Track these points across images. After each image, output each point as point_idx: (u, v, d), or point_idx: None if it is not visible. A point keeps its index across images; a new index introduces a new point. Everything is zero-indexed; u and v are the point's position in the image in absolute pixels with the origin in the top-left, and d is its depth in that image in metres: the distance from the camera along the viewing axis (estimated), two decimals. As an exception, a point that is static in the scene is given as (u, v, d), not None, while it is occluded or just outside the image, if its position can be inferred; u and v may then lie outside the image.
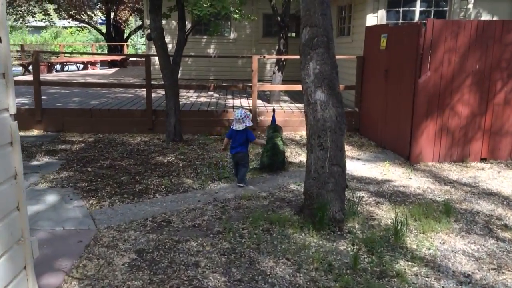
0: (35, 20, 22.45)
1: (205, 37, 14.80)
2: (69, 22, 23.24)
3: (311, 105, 4.34)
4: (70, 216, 4.57)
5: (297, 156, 7.02)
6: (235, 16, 7.64)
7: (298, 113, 8.75)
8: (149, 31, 7.89)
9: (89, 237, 4.07)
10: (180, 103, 9.33)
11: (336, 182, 4.29)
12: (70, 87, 10.55)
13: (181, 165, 6.40)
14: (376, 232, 4.17)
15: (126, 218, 4.50)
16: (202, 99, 10.25)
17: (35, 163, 6.45)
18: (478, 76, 6.41)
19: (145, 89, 8.60)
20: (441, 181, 5.78)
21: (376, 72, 7.75)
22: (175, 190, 5.36)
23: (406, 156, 6.66)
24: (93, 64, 19.44)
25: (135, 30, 25.89)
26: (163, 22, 14.31)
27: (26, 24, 22.47)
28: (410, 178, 5.87)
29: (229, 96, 10.82)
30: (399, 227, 4.02)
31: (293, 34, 14.28)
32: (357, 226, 4.30)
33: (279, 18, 9.65)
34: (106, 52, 25.27)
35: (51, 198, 5.07)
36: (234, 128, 5.69)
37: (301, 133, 8.62)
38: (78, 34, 39.57)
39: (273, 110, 7.03)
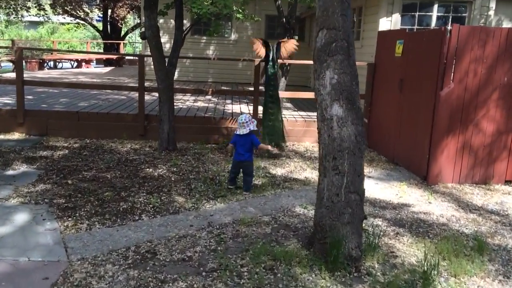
0: (29, 15, 21.73)
1: (205, 37, 14.16)
2: (64, 18, 22.53)
3: (326, 121, 3.69)
4: (40, 242, 3.89)
5: (302, 171, 6.37)
6: (237, 16, 7.00)
7: (302, 122, 8.11)
8: (143, 29, 7.22)
9: (58, 272, 3.40)
10: (175, 107, 8.66)
11: (353, 213, 3.64)
12: (55, 87, 9.85)
13: (173, 179, 5.74)
14: (399, 274, 3.52)
15: (104, 247, 3.83)
16: (199, 104, 9.59)
17: (10, 172, 5.77)
18: (506, 90, 5.78)
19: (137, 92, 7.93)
20: (465, 208, 5.14)
21: (389, 81, 7.12)
22: (164, 211, 4.69)
23: (423, 176, 6.02)
24: (88, 62, 18.74)
25: (133, 28, 25.18)
26: (161, 20, 13.73)
27: (20, 19, 21.74)
28: (429, 203, 5.23)
29: (228, 101, 10.16)
30: (428, 270, 3.37)
31: (295, 37, 13.66)
32: (376, 265, 3.65)
33: (284, 19, 9.01)
34: (102, 49, 24.56)
35: (21, 217, 4.39)
36: (238, 133, 5.27)
37: (305, 144, 7.97)
38: (75, 30, 38.83)
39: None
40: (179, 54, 7.23)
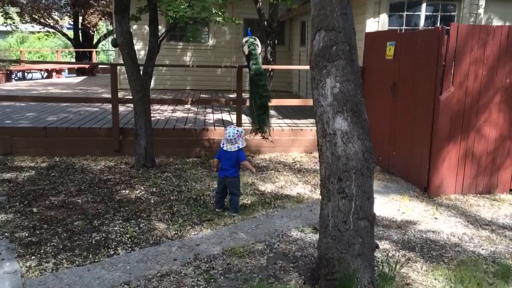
0: (-4, 24, 20.77)
1: (181, 43, 13.58)
2: (33, 27, 21.60)
3: (328, 137, 3.19)
4: (-5, 290, 3.29)
5: (293, 186, 5.87)
6: (217, 19, 6.47)
7: (288, 131, 7.63)
8: (115, 36, 6.64)
9: (15, 332, 2.81)
10: (153, 119, 8.09)
11: (363, 243, 3.15)
12: (19, 101, 9.13)
13: (152, 201, 5.16)
14: (420, 311, 3.05)
15: (73, 294, 3.25)
16: (178, 114, 9.02)
17: (-34, 200, 5.12)
18: (509, 92, 5.41)
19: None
20: (475, 223, 4.71)
21: (380, 85, 6.70)
22: (143, 241, 4.12)
23: (423, 187, 5.59)
24: (58, 71, 17.89)
25: (105, 36, 24.34)
26: (134, 26, 13.09)
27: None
28: (435, 218, 4.79)
29: (209, 110, 9.61)
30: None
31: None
32: (393, 302, 3.17)
33: (265, 22, 8.54)
34: (74, 58, 23.65)
35: (-25, 258, 3.77)
36: (224, 148, 4.71)
37: (293, 154, 7.49)
38: (46, 39, 37.64)
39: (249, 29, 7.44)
40: (154, 62, 6.66)
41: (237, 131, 4.68)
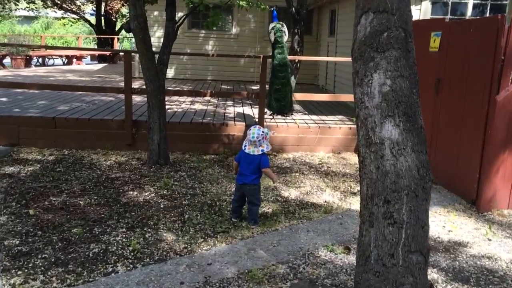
0: (18, 9, 20.53)
1: (203, 31, 12.98)
2: (55, 12, 21.32)
3: (373, 147, 2.54)
4: (-33, 316, 2.77)
5: (320, 193, 5.23)
6: (241, 3, 5.83)
7: (315, 129, 6.96)
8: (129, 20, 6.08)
9: None
10: (169, 111, 7.57)
11: (415, 283, 2.50)
12: (23, 88, 8.69)
13: (162, 206, 4.60)
14: None
15: (57, 326, 2.71)
16: (197, 106, 8.44)
17: (-41, 198, 4.65)
18: None
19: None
20: (537, 247, 4.00)
21: (421, 81, 5.93)
22: (147, 257, 3.56)
23: (471, 200, 4.88)
24: (79, 58, 17.55)
25: (128, 22, 23.86)
26: (155, 12, 12.56)
27: (7, 13, 20.54)
28: (489, 240, 4.09)
29: (230, 103, 9.01)
30: None
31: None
32: None
33: (293, 9, 7.85)
34: (96, 45, 23.34)
35: (-47, 271, 3.26)
36: (246, 151, 4.08)
37: (320, 154, 6.83)
38: (71, 25, 37.61)
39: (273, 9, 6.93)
40: (171, 50, 6.07)
41: (262, 132, 4.05)
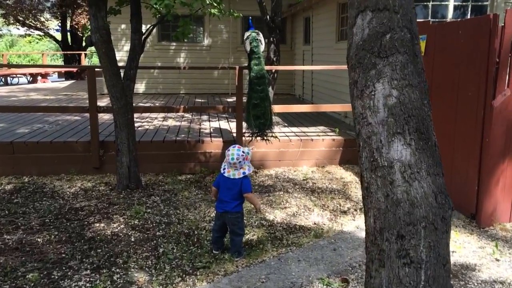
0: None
1: (174, 43, 12.49)
2: (18, 29, 20.47)
3: (380, 171, 2.12)
4: None
5: (308, 213, 4.79)
6: (212, 11, 5.40)
7: (297, 142, 6.55)
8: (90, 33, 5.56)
9: None
10: (140, 129, 7.06)
11: (439, 333, 2.07)
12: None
13: (133, 239, 4.07)
14: None
15: None
16: (170, 122, 7.93)
17: None
18: None
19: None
20: (550, 265, 3.65)
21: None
22: (116, 305, 3.04)
23: (471, 214, 4.52)
24: (44, 76, 16.78)
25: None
26: (122, 25, 12.01)
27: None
28: (497, 260, 3.72)
29: (205, 117, 8.53)
30: None
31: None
32: None
33: (268, 17, 7.47)
34: (62, 62, 22.52)
35: None
36: (225, 174, 3.59)
37: (303, 169, 6.41)
38: (37, 43, 36.55)
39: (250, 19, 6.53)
40: (138, 64, 5.57)
41: (243, 152, 3.59)
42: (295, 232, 4.28)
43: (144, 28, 5.68)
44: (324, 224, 4.47)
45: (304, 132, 7.15)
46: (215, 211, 3.83)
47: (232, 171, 3.56)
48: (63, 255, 3.76)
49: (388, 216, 2.10)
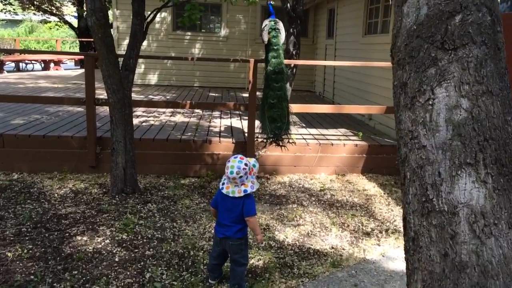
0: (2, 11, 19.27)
1: (189, 33, 11.87)
2: (34, 14, 20.09)
3: (436, 217, 1.43)
4: None
5: (324, 233, 4.11)
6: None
7: (315, 146, 5.86)
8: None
9: None
10: (144, 124, 6.49)
11: None
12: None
13: (116, 259, 3.46)
14: None
15: None
16: (178, 118, 7.31)
17: None
18: None
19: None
20: None
21: None
22: None
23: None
24: (57, 63, 16.36)
25: (111, 25, 22.68)
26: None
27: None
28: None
29: (216, 114, 7.89)
30: None
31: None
32: None
33: (289, 6, 6.76)
34: (78, 49, 22.13)
35: None
36: (223, 191, 2.91)
37: (321, 176, 5.72)
38: (57, 29, 36.37)
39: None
40: (139, 52, 4.95)
41: (245, 165, 2.88)
42: (309, 258, 3.61)
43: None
44: (344, 249, 3.79)
45: (323, 135, 6.45)
46: (213, 237, 3.18)
47: (232, 187, 2.88)
48: (32, 276, 3.16)
49: (445, 285, 1.42)
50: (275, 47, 5.40)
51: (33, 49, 27.74)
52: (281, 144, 5.33)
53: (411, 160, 1.51)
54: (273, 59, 5.38)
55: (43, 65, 16.33)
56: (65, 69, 17.05)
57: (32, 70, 16.83)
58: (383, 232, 4.14)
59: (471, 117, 1.39)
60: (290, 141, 5.36)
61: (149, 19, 5.03)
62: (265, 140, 5.41)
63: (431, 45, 1.45)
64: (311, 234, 4.05)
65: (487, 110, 1.39)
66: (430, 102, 1.45)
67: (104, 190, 5.02)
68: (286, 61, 6.31)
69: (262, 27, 5.63)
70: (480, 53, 1.40)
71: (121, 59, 4.87)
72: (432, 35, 1.45)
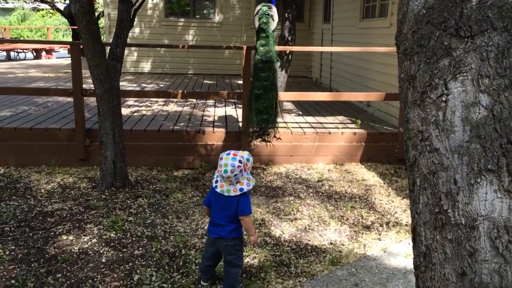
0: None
1: (182, 19, 11.56)
2: (25, 2, 19.67)
3: (451, 231, 1.25)
4: None
5: (322, 227, 3.94)
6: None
7: (312, 135, 5.67)
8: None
9: None
10: (136, 115, 6.30)
11: None
12: None
13: (103, 260, 3.28)
14: None
15: None
16: (171, 107, 7.09)
17: None
18: None
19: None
20: None
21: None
22: None
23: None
24: (49, 52, 16.02)
25: (103, 12, 22.23)
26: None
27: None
28: None
29: (210, 103, 7.67)
30: None
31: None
32: None
33: (283, -11, 6.51)
34: (71, 37, 21.68)
35: None
36: (217, 190, 2.71)
37: (319, 166, 5.55)
38: (50, 17, 35.77)
39: None
40: (126, 40, 4.72)
41: (240, 162, 2.67)
42: (307, 255, 3.44)
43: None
44: (343, 245, 3.62)
45: (320, 123, 6.25)
46: (207, 237, 3.00)
47: (226, 186, 2.68)
48: (13, 281, 2.99)
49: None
50: (263, 34, 5.11)
51: (26, 38, 27.24)
52: (266, 139, 5.04)
53: (421, 164, 1.32)
54: (261, 47, 5.07)
55: (34, 54, 15.98)
56: (57, 58, 16.72)
57: (24, 59, 16.51)
58: (384, 226, 3.97)
59: (492, 116, 1.20)
60: (276, 137, 5.06)
61: (136, 5, 4.79)
62: (251, 133, 5.13)
63: (443, 32, 1.25)
64: (308, 229, 3.88)
65: (511, 108, 1.20)
66: (443, 99, 1.25)
67: (93, 184, 4.83)
68: (280, 48, 6.09)
69: (255, 12, 5.37)
70: (501, 41, 1.20)
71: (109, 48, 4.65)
72: (445, 21, 1.25)
